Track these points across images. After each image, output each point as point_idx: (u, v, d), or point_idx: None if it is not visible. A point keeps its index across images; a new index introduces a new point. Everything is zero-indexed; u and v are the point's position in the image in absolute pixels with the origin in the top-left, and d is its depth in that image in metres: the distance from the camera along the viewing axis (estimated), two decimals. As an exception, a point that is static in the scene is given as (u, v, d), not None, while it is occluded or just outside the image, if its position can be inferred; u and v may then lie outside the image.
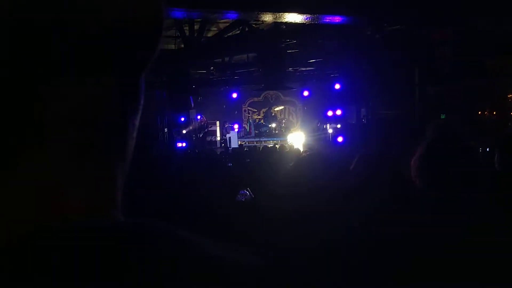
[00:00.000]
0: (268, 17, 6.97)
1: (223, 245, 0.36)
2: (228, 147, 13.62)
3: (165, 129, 11.76)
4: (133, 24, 0.37)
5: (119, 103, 0.38)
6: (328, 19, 7.01)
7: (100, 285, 0.30)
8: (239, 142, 14.18)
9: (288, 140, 13.97)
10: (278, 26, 8.79)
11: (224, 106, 15.50)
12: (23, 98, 0.33)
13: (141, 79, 0.42)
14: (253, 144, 14.05)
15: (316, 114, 14.36)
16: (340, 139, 11.67)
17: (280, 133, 15.14)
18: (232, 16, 7.13)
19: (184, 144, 12.95)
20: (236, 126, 14.81)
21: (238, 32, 9.13)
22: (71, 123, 0.35)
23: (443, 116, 9.31)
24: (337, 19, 7.03)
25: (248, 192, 4.29)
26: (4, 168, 0.33)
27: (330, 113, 12.79)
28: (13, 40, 0.32)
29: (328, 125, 13.22)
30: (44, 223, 0.32)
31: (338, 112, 12.50)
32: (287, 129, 15.41)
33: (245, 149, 11.44)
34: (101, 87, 0.36)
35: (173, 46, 9.24)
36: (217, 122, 15.50)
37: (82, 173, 0.36)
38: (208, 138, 14.99)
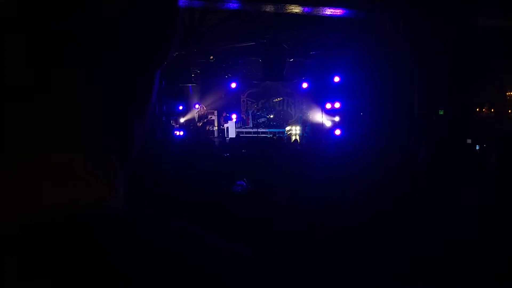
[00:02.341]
0: (269, 8, 6.94)
1: (220, 237, 0.36)
2: (226, 137, 13.61)
3: (163, 117, 11.73)
4: (150, 16, 0.37)
5: (129, 98, 0.39)
6: (329, 11, 6.98)
7: (89, 274, 0.30)
8: (236, 132, 14.18)
9: (285, 132, 13.97)
10: (279, 17, 8.75)
11: (223, 96, 15.45)
12: (33, 92, 0.33)
13: (155, 76, 0.41)
14: (250, 135, 14.04)
15: (315, 107, 14.34)
16: (338, 132, 11.68)
17: (278, 124, 15.13)
18: (233, 6, 7.09)
19: (181, 133, 12.93)
20: (234, 116, 14.77)
21: (239, 22, 9.08)
22: (79, 115, 0.35)
23: (441, 112, 9.33)
24: (338, 11, 7.00)
25: (245, 182, 4.30)
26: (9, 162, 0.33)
27: (328, 105, 12.78)
28: (28, 31, 0.32)
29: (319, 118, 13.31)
30: (45, 213, 0.33)
31: (337, 105, 12.49)
32: (285, 120, 15.40)
33: (243, 139, 11.44)
34: (112, 81, 0.37)
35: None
36: (215, 112, 15.46)
37: (85, 165, 0.36)
38: (207, 128, 14.97)
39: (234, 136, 13.62)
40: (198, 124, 14.58)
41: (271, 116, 15.47)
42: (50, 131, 0.34)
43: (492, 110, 10.74)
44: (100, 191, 0.37)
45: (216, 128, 15.37)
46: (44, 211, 0.33)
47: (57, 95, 0.34)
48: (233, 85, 14.00)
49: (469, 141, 7.54)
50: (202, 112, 14.85)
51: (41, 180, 0.34)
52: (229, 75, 13.86)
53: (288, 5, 6.58)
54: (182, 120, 14.49)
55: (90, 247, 0.31)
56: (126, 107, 0.39)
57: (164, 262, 0.31)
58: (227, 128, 14.30)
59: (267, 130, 14.52)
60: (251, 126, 15.24)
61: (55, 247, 0.31)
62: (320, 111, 13.35)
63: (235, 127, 14.50)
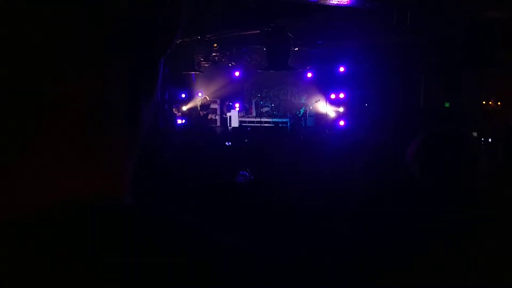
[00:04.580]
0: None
1: (223, 229, 0.36)
2: (228, 126, 13.58)
3: (166, 105, 11.72)
4: (151, 7, 0.37)
5: (132, 89, 0.39)
6: (336, 0, 6.92)
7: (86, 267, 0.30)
8: (239, 121, 14.13)
9: (289, 121, 13.93)
10: (285, 5, 8.69)
11: (226, 85, 15.39)
12: (35, 83, 0.33)
13: (158, 66, 0.42)
14: (253, 124, 14.00)
15: (319, 97, 14.30)
16: (342, 122, 11.67)
17: (282, 114, 15.08)
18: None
19: (184, 121, 12.93)
20: (237, 105, 14.72)
21: (244, 9, 9.02)
22: (83, 108, 0.35)
23: (447, 105, 9.29)
24: (345, 1, 6.94)
25: (248, 173, 4.29)
26: (16, 154, 0.34)
27: (333, 96, 12.77)
28: (28, 24, 0.32)
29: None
30: (51, 205, 0.33)
31: (341, 95, 12.48)
32: (289, 110, 15.33)
33: (248, 128, 11.43)
34: (115, 73, 0.37)
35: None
36: (218, 100, 15.42)
37: (92, 158, 0.36)
38: (209, 117, 14.95)
39: (237, 125, 13.57)
40: (200, 113, 14.55)
41: (275, 106, 15.41)
42: (54, 122, 0.34)
43: (499, 103, 10.68)
44: (107, 183, 0.37)
45: (219, 116, 15.34)
46: (48, 204, 0.33)
47: (61, 88, 0.34)
48: (237, 73, 13.96)
49: (475, 134, 7.51)
50: (205, 102, 14.81)
51: (46, 172, 0.34)
52: (232, 63, 13.80)
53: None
54: (184, 108, 14.46)
55: (93, 239, 0.32)
56: (134, 96, 0.39)
57: (167, 254, 0.32)
58: (230, 117, 14.25)
59: (270, 119, 14.45)
60: (254, 115, 15.18)
61: (57, 239, 0.31)
62: (325, 101, 13.30)
63: (238, 116, 14.44)
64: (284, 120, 14.20)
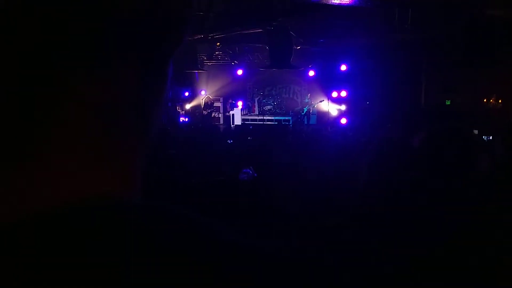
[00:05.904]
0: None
1: (232, 228, 0.36)
2: (231, 124, 13.56)
3: (169, 103, 11.73)
4: (162, 10, 0.36)
5: (141, 90, 0.38)
6: (337, 0, 6.93)
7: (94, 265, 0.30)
8: (242, 119, 14.14)
9: (291, 120, 13.94)
10: (287, 4, 8.68)
11: (229, 83, 15.38)
12: (48, 84, 0.33)
13: (166, 66, 0.42)
14: (256, 122, 14.01)
15: (321, 95, 14.29)
16: (343, 120, 11.65)
17: (284, 112, 15.08)
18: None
19: (186, 119, 12.94)
20: (240, 103, 14.72)
21: (246, 8, 9.02)
22: (93, 108, 0.35)
23: (448, 102, 9.28)
24: (347, 0, 6.94)
25: (251, 170, 4.29)
26: (27, 153, 0.34)
27: (335, 94, 12.74)
28: (39, 27, 0.32)
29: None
30: (60, 204, 0.33)
31: (343, 93, 12.46)
32: (291, 108, 15.32)
33: (250, 127, 11.41)
34: (123, 73, 0.37)
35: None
36: (221, 99, 15.42)
37: (101, 159, 0.36)
38: (212, 115, 14.95)
39: (239, 123, 13.57)
40: (204, 112, 14.56)
41: (277, 104, 15.40)
42: (64, 123, 0.34)
43: (500, 101, 10.64)
44: (116, 183, 0.37)
45: (222, 115, 15.34)
46: (54, 204, 0.33)
47: (71, 88, 0.34)
48: (240, 72, 13.94)
49: (475, 131, 7.51)
50: (208, 101, 14.83)
51: (52, 173, 0.34)
52: (235, 62, 13.80)
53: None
54: (187, 106, 14.47)
55: (96, 239, 0.31)
56: (143, 96, 0.39)
57: (171, 253, 0.32)
58: (233, 115, 14.24)
59: (272, 117, 14.47)
60: (257, 113, 15.19)
61: (61, 239, 0.31)
62: (326, 100, 13.31)
63: (241, 114, 14.45)
64: (287, 118, 14.21)
